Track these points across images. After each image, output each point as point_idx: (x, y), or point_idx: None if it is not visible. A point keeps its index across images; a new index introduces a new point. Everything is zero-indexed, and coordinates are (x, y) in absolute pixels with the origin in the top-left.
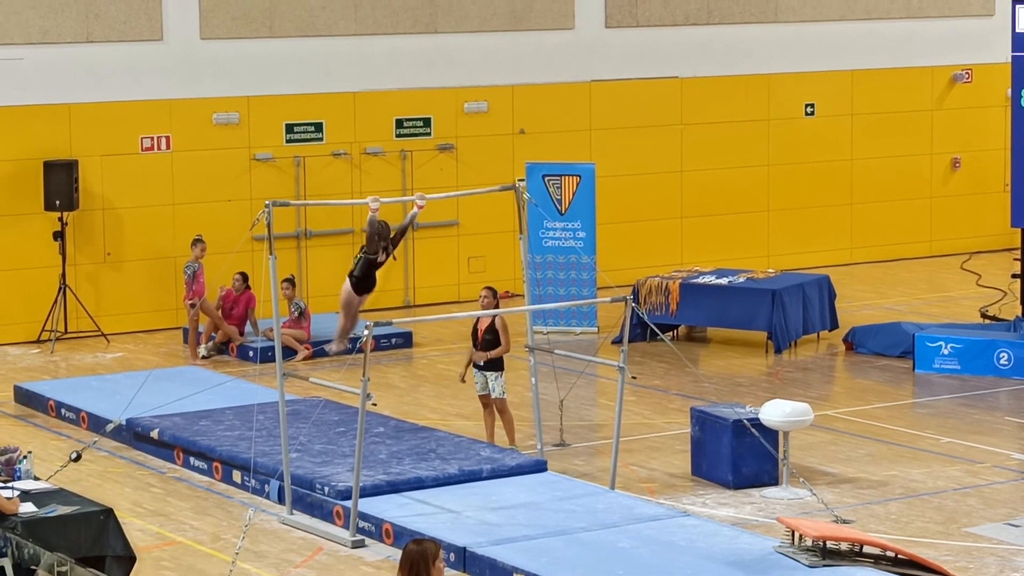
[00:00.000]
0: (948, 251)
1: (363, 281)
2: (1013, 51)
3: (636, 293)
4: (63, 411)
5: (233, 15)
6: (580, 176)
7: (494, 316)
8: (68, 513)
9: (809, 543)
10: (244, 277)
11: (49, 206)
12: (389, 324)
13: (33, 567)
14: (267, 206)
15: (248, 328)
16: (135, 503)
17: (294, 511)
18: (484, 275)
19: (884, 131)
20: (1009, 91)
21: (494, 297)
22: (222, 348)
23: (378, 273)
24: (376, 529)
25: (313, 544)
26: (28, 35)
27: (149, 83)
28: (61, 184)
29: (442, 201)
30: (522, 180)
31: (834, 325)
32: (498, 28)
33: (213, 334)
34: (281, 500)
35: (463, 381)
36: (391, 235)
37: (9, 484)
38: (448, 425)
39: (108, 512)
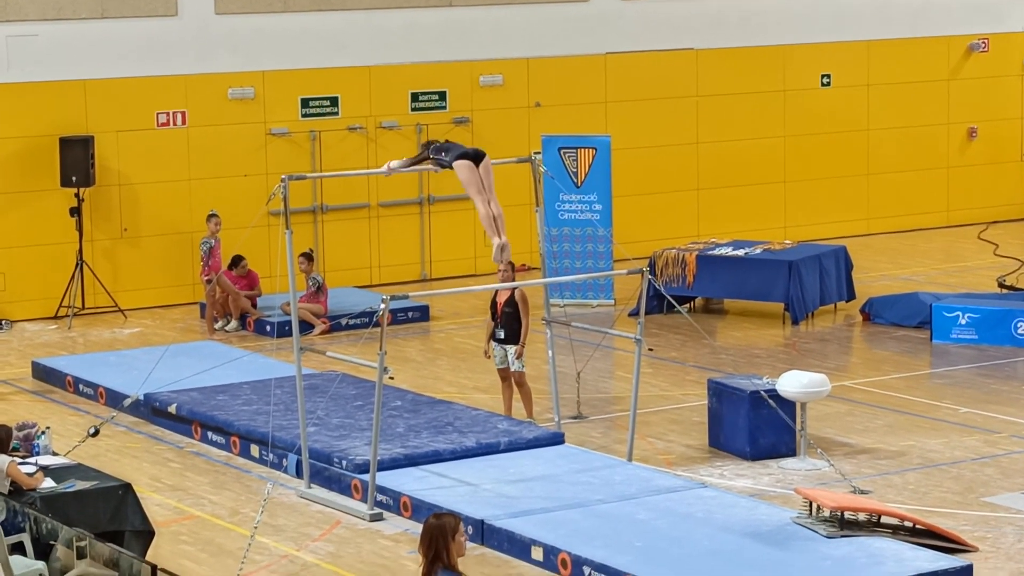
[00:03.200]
0: (965, 221)
1: (453, 151)
2: None
3: (653, 265)
4: (81, 386)
5: None
6: (596, 148)
7: (513, 289)
8: (86, 488)
9: (827, 514)
10: (240, 262)
11: (65, 182)
12: (406, 298)
13: (52, 542)
14: (283, 180)
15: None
16: (153, 478)
17: (312, 485)
18: None
19: (900, 101)
20: None
21: (512, 271)
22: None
23: (396, 243)
24: (394, 502)
25: (331, 518)
26: (43, 11)
27: (164, 59)
28: (77, 160)
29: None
30: (538, 153)
31: (851, 296)
32: (513, 1)
33: (227, 314)
34: (299, 474)
35: (487, 356)
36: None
37: (28, 459)
38: (465, 398)
39: (126, 487)
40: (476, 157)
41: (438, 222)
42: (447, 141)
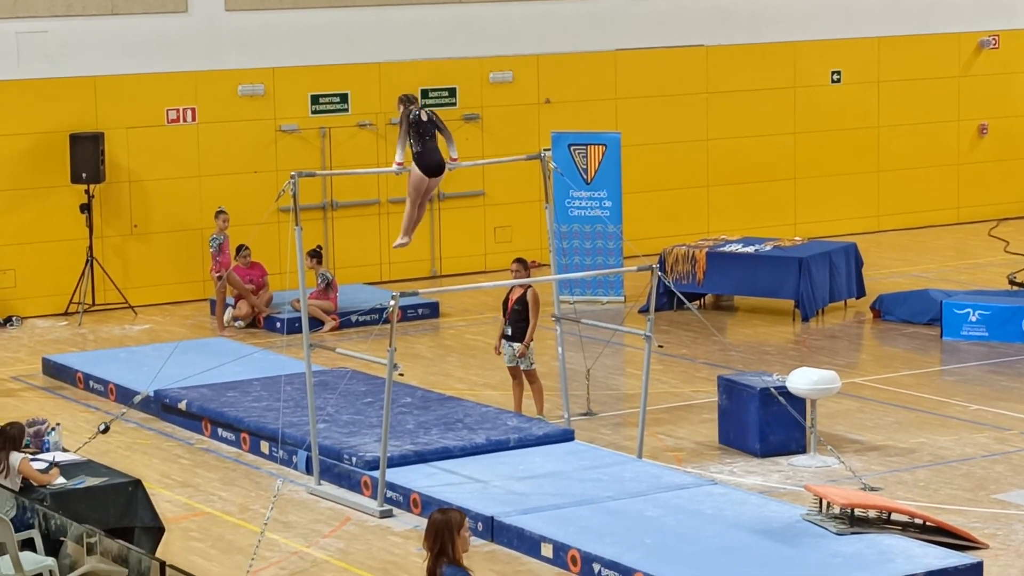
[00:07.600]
0: (975, 218)
1: (425, 157)
2: None
3: (663, 262)
4: (91, 383)
5: None
6: (606, 145)
7: (525, 287)
8: (96, 484)
9: (837, 511)
10: (241, 250)
11: (76, 179)
12: (415, 294)
13: (61, 538)
14: (293, 177)
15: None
16: (163, 474)
17: (322, 481)
18: (510, 245)
19: (911, 98)
20: None
21: (525, 269)
22: (251, 321)
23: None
24: (404, 499)
25: (341, 514)
26: (53, 8)
27: (174, 55)
28: (87, 157)
29: (468, 171)
30: (548, 149)
31: (861, 293)
32: None
33: (235, 313)
34: (309, 470)
35: (498, 353)
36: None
37: (38, 456)
38: (475, 395)
39: (136, 483)
40: (435, 171)
41: (448, 219)
42: (424, 116)
